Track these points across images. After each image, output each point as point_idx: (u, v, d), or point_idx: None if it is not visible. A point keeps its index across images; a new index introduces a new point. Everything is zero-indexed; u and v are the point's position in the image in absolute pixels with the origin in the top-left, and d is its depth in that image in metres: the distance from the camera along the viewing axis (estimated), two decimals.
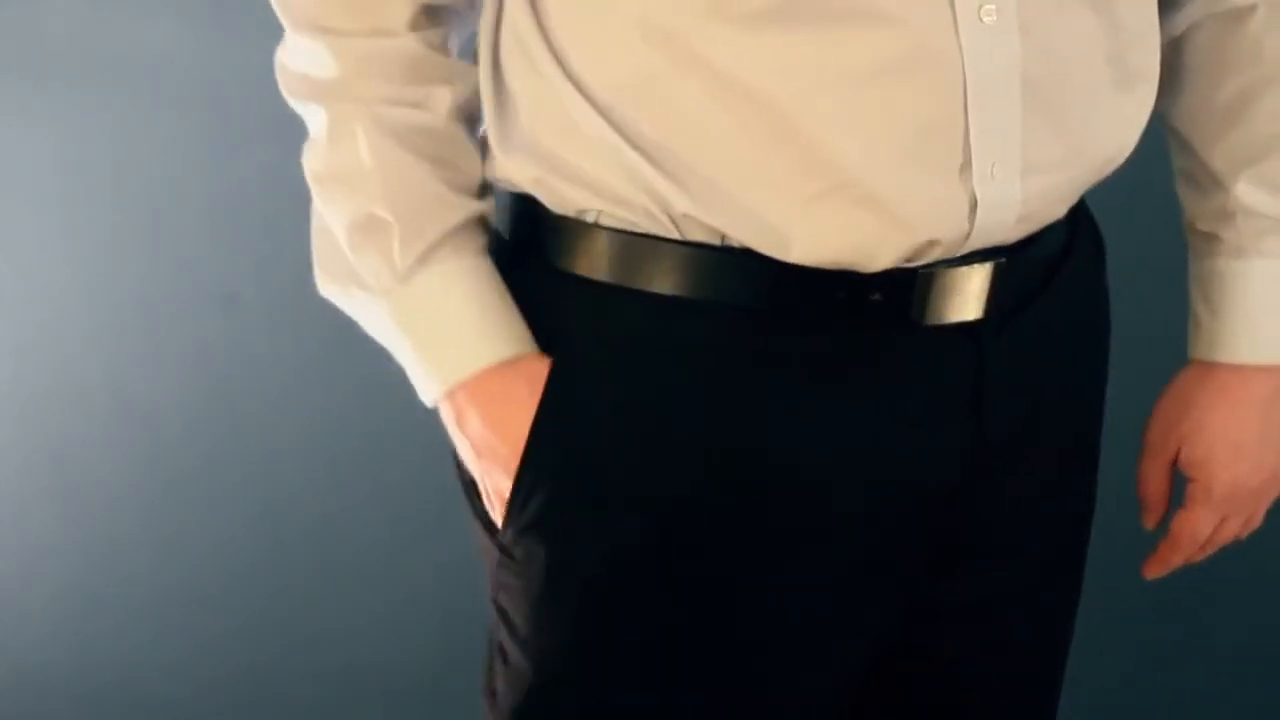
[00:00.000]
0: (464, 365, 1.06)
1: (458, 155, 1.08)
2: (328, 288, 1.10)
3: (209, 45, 2.08)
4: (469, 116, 1.10)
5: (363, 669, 2.26)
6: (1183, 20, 1.17)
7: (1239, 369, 1.18)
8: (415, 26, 1.06)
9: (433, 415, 1.11)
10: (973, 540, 1.13)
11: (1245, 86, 1.16)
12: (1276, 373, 1.18)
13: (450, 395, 1.07)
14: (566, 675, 1.09)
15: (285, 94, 1.10)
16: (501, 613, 1.11)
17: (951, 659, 1.18)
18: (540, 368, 1.05)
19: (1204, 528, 1.22)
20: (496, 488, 1.08)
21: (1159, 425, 1.22)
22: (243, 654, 2.29)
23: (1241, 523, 1.23)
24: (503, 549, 1.09)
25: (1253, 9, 1.15)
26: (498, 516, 1.09)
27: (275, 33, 1.11)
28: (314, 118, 1.09)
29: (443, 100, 1.07)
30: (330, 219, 1.08)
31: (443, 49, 1.08)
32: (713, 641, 1.08)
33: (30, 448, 2.29)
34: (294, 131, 1.12)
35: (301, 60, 1.08)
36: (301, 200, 1.12)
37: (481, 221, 1.09)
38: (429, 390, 1.08)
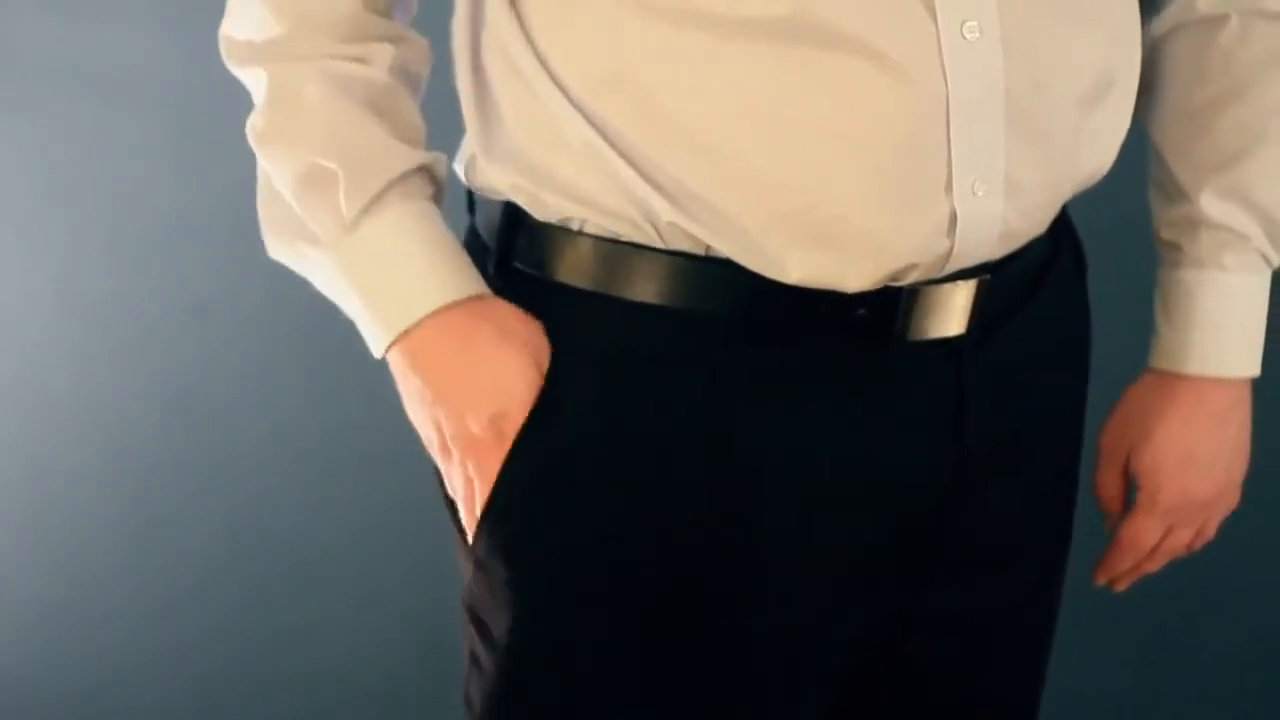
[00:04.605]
0: (416, 306, 1.03)
1: (400, 109, 1.06)
2: (276, 248, 1.07)
3: (177, 54, 2.08)
4: (410, 78, 1.08)
5: (334, 674, 2.26)
6: (1159, 26, 1.17)
7: (1191, 380, 1.18)
8: None
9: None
10: (956, 552, 1.13)
11: (1214, 97, 1.16)
12: (1229, 386, 1.18)
13: (404, 338, 1.03)
14: (539, 684, 1.09)
15: (229, 64, 1.08)
16: (475, 620, 1.10)
17: (934, 668, 1.18)
18: (504, 308, 1.04)
19: (1148, 536, 1.22)
20: (460, 434, 1.03)
21: (1111, 431, 1.23)
22: (212, 661, 2.28)
23: (1192, 534, 1.23)
24: (477, 560, 1.07)
25: (1224, 19, 1.15)
26: (449, 471, 1.06)
27: None
28: (257, 82, 1.07)
29: (383, 56, 1.06)
30: (276, 177, 1.05)
31: (385, 12, 1.07)
32: (689, 651, 1.07)
33: None
34: None
35: (244, 26, 1.06)
36: None
37: (427, 171, 1.07)
38: (378, 338, 1.04)
